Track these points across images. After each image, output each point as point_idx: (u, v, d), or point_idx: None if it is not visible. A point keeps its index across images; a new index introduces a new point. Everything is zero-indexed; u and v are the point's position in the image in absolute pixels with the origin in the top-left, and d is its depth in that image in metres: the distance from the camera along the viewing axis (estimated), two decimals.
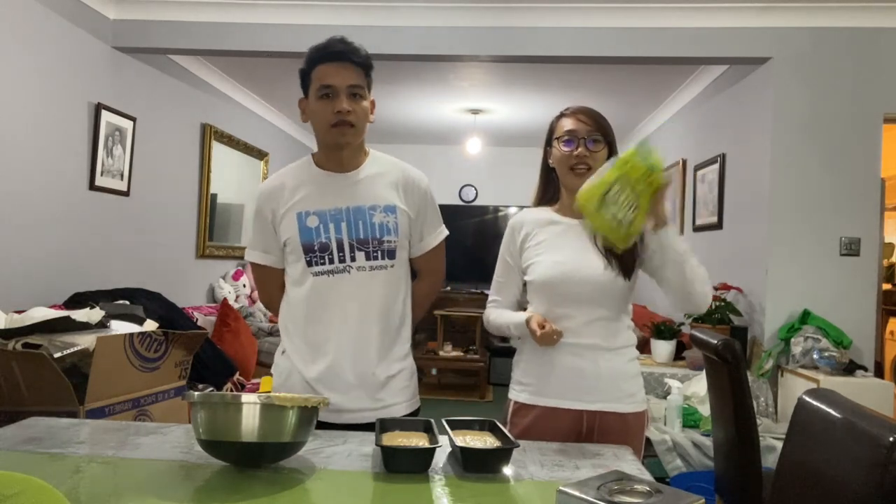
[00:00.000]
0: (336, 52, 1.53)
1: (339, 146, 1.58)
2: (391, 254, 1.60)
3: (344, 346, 1.57)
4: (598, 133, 1.57)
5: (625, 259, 1.55)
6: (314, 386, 1.58)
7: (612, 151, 1.59)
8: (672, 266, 1.50)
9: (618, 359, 1.58)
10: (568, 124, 1.59)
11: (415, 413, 1.66)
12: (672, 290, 1.54)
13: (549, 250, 1.61)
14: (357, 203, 1.59)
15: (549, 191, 1.71)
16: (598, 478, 1.04)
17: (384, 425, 1.34)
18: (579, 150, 1.56)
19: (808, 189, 3.48)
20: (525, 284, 1.68)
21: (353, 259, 1.57)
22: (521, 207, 1.68)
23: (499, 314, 1.69)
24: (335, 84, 1.53)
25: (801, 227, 3.48)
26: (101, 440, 1.37)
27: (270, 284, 1.70)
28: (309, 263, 1.58)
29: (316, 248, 1.57)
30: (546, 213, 1.68)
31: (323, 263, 1.57)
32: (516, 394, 1.64)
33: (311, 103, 1.58)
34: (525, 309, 1.66)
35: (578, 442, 1.53)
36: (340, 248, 1.57)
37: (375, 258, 1.58)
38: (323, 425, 1.52)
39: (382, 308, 1.60)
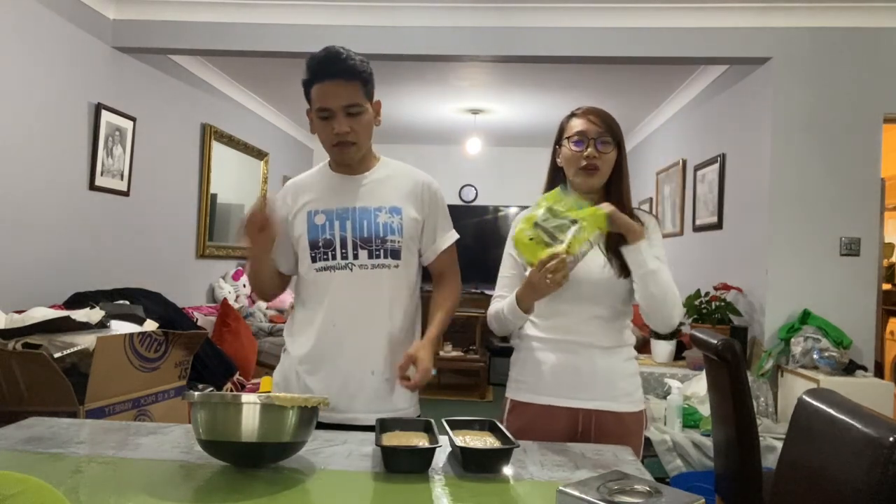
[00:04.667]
0: (330, 71, 1.53)
1: (344, 162, 1.63)
2: (395, 254, 1.60)
3: (345, 345, 1.58)
4: (607, 135, 1.57)
5: (625, 259, 1.55)
6: (309, 385, 1.58)
7: (620, 152, 1.60)
8: (638, 281, 1.51)
9: (614, 357, 1.58)
10: (578, 125, 1.59)
11: None
12: (639, 303, 1.56)
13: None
14: (364, 204, 1.62)
15: None
16: (598, 478, 1.04)
17: (384, 425, 1.34)
18: (589, 150, 1.56)
19: (808, 189, 3.48)
20: None
21: (355, 257, 1.59)
22: (522, 207, 1.68)
23: (498, 304, 1.67)
24: (331, 106, 1.53)
25: (801, 227, 3.48)
26: (101, 440, 1.37)
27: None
28: (313, 259, 1.60)
29: (320, 244, 1.60)
30: None
31: (326, 259, 1.60)
32: (512, 392, 1.64)
33: (314, 120, 1.60)
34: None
35: (575, 441, 1.53)
36: (343, 245, 1.59)
37: (378, 257, 1.59)
38: (320, 425, 1.52)
39: (387, 308, 1.60)
